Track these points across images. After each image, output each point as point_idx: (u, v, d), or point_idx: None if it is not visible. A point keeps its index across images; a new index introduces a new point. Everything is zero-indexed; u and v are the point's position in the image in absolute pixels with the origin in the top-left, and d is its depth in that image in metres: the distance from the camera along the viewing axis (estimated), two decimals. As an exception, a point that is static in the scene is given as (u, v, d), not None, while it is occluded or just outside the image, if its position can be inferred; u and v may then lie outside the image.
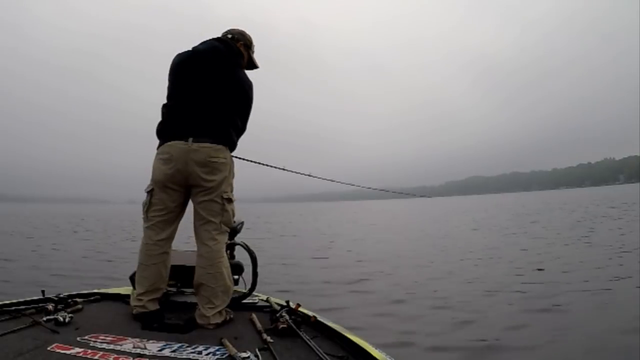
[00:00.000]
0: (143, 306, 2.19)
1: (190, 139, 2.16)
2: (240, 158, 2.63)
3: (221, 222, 2.22)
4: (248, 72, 2.46)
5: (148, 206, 2.24)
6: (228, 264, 2.25)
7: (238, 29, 2.49)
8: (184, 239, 2.76)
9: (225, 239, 2.27)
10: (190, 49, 2.32)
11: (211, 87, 2.24)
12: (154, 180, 2.24)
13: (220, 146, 2.21)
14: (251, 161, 2.92)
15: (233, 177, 2.33)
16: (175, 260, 2.35)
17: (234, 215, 2.30)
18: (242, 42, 2.45)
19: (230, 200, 2.26)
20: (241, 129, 2.41)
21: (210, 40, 2.36)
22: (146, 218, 2.26)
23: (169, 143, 2.19)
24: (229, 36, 2.43)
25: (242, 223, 2.60)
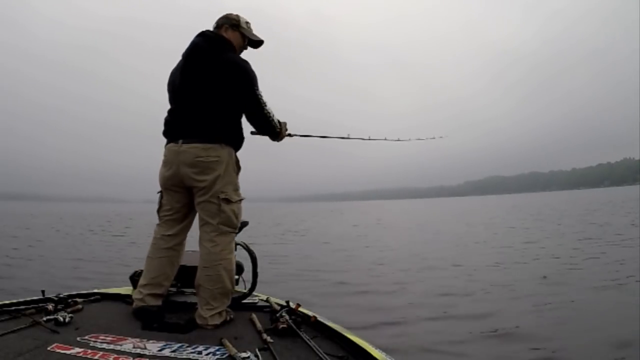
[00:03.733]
0: (142, 299, 2.21)
1: (180, 141, 2.19)
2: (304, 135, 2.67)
3: (219, 223, 2.18)
4: (254, 51, 2.41)
5: (159, 206, 2.36)
6: (231, 267, 2.20)
7: (224, 15, 2.37)
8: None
9: (226, 240, 2.21)
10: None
11: (197, 85, 2.21)
12: (159, 183, 2.34)
13: (210, 145, 2.16)
14: (314, 136, 2.81)
15: (237, 173, 2.27)
16: None
17: (237, 216, 2.24)
18: (226, 25, 2.33)
19: (227, 201, 2.19)
20: (255, 110, 2.24)
21: (194, 37, 2.31)
22: (158, 217, 2.37)
23: (166, 146, 2.27)
24: (214, 25, 2.34)
25: (244, 223, 2.60)
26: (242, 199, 2.28)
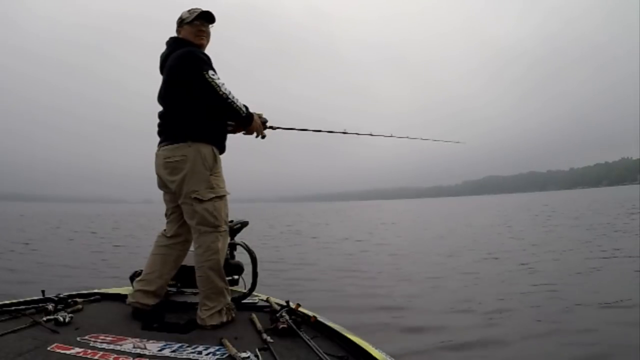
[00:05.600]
0: (133, 295, 2.27)
1: (159, 146, 2.28)
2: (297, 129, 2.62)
3: (196, 224, 2.18)
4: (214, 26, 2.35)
5: (166, 209, 2.42)
6: (217, 266, 2.17)
7: None
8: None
9: (208, 240, 2.16)
10: None
11: (161, 91, 2.29)
12: None
13: (177, 144, 2.17)
14: (306, 130, 2.71)
15: (209, 169, 2.19)
16: None
17: (213, 214, 2.16)
18: (178, 28, 2.34)
19: (199, 200, 2.14)
20: (210, 98, 2.12)
21: None
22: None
23: None
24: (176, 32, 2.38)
25: (243, 223, 2.60)
26: (221, 195, 2.22)
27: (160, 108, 2.32)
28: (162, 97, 2.28)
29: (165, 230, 2.39)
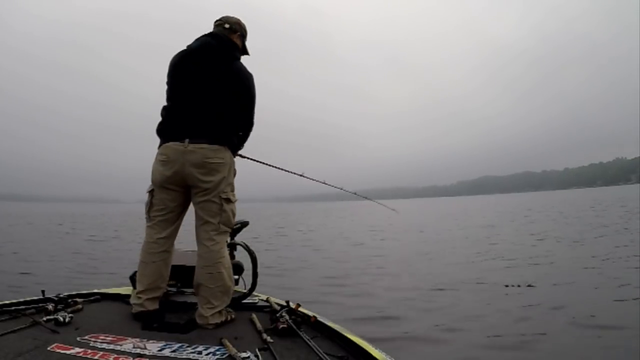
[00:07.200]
0: (141, 304, 2.21)
1: (187, 140, 2.16)
2: (254, 160, 2.73)
3: (219, 222, 2.21)
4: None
5: (149, 206, 2.28)
6: (229, 264, 2.24)
7: (234, 18, 2.41)
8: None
9: (225, 239, 2.26)
10: (185, 47, 2.31)
11: (206, 86, 2.21)
12: (153, 181, 2.28)
13: (218, 147, 2.19)
14: (259, 162, 2.86)
15: (234, 176, 2.33)
16: (175, 260, 2.36)
17: (234, 216, 2.29)
18: (239, 33, 2.39)
19: (228, 201, 2.24)
20: (247, 124, 2.40)
21: (203, 36, 2.33)
22: (148, 218, 2.30)
23: (166, 144, 2.22)
24: (227, 26, 2.35)
25: (244, 223, 2.61)
26: (235, 200, 2.33)
27: (170, 94, 2.30)
28: (204, 93, 2.21)
29: (155, 233, 2.25)
